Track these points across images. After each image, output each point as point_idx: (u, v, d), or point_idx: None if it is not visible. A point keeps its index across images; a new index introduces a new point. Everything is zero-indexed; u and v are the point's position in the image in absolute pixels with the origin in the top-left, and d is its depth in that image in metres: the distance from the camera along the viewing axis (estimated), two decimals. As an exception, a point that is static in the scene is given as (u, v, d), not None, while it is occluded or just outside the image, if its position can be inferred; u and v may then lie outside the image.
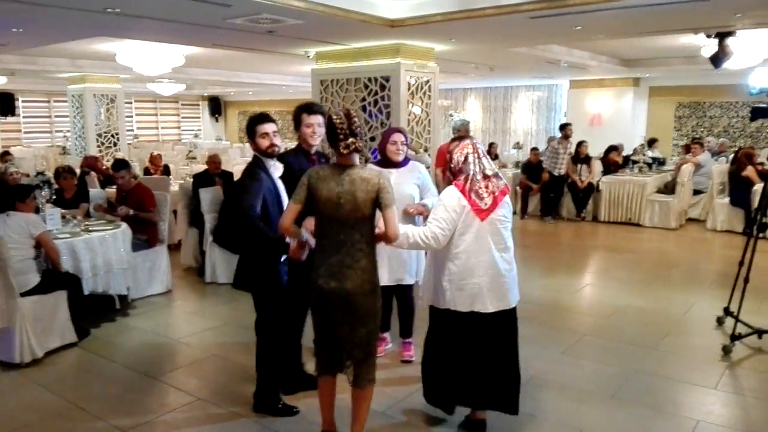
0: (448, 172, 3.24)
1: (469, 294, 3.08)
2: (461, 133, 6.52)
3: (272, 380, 3.56)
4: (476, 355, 3.18)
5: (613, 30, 7.14)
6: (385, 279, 4.14)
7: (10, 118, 16.98)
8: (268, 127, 3.40)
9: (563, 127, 10.37)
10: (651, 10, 5.57)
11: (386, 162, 4.16)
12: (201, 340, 4.83)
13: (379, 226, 2.93)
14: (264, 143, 3.38)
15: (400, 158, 4.14)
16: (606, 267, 7.48)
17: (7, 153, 10.50)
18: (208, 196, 6.43)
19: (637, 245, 8.48)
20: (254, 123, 3.43)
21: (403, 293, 4.32)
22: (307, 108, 3.67)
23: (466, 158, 3.12)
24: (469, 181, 3.07)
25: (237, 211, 3.23)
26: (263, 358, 3.54)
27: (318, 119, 3.64)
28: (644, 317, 5.34)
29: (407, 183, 4.13)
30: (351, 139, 2.83)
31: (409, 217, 4.02)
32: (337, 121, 2.84)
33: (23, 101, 17.49)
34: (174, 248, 7.34)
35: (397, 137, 4.13)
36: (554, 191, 10.30)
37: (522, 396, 3.73)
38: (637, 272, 6.91)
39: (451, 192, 3.08)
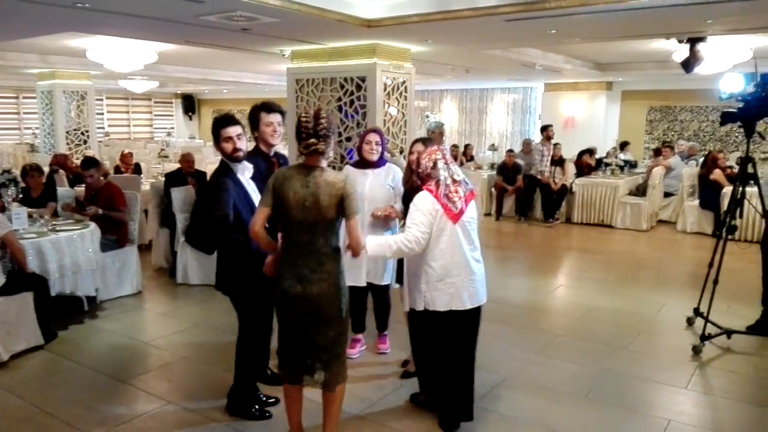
0: (414, 176, 3.32)
1: (446, 293, 3.18)
2: (435, 135, 6.55)
3: (250, 382, 3.52)
4: (457, 352, 3.30)
5: (587, 34, 7.22)
6: (361, 280, 4.15)
7: (-24, 115, 16.56)
8: (232, 131, 3.28)
9: (545, 129, 10.43)
10: (624, 15, 5.64)
11: (363, 162, 4.15)
12: (172, 343, 4.74)
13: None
14: (228, 147, 3.28)
15: (375, 158, 4.13)
16: (579, 268, 7.56)
17: (-28, 150, 10.25)
18: (180, 196, 6.33)
19: (609, 246, 8.59)
20: (217, 126, 3.31)
21: (380, 293, 4.34)
22: (265, 107, 3.59)
23: (435, 164, 3.20)
24: (440, 186, 3.16)
25: (210, 223, 3.17)
26: (242, 359, 3.46)
27: (277, 118, 3.57)
28: (616, 318, 5.40)
29: (382, 184, 4.12)
30: (312, 140, 2.79)
31: (378, 220, 3.99)
32: (304, 120, 2.82)
33: (-10, 97, 17.07)
34: (145, 248, 7.22)
35: (372, 137, 4.13)
36: (537, 192, 10.39)
37: (496, 397, 3.77)
38: (610, 273, 6.99)
39: (426, 197, 3.16)
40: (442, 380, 3.37)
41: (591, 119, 14.39)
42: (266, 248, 2.99)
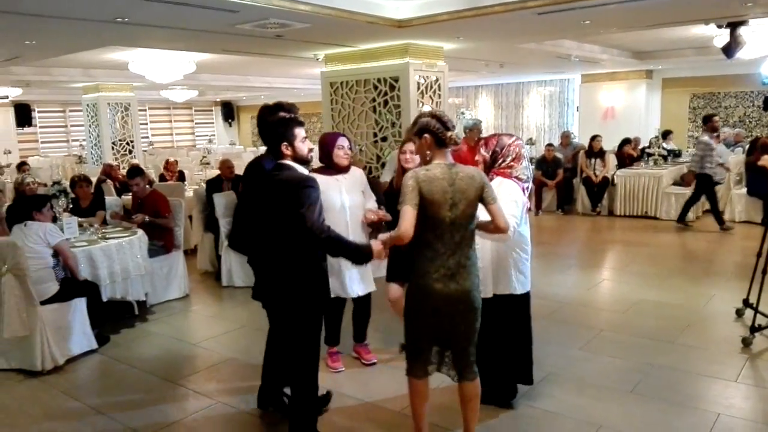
0: (483, 165, 3.41)
1: (528, 276, 3.49)
2: (472, 133, 6.54)
3: (313, 410, 3.23)
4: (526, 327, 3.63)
5: (623, 23, 7.09)
6: (372, 285, 4.15)
7: (27, 129, 17.23)
8: (304, 131, 3.12)
9: (708, 119, 8.75)
10: (660, 2, 5.53)
11: (332, 168, 3.92)
12: (219, 344, 4.87)
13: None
14: (304, 148, 3.06)
15: (347, 163, 3.96)
16: (623, 261, 7.42)
17: (24, 163, 10.66)
18: (222, 201, 6.47)
19: (653, 239, 8.40)
20: (292, 126, 3.05)
21: (365, 301, 4.25)
22: (285, 109, 3.34)
23: (519, 157, 3.35)
24: (522, 181, 3.35)
25: (313, 231, 2.87)
26: (304, 382, 3.13)
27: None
28: (662, 311, 5.29)
29: (356, 189, 3.99)
30: (451, 133, 2.86)
31: (373, 224, 3.96)
32: (433, 119, 2.87)
33: (39, 112, 17.73)
34: (190, 253, 7.41)
35: (344, 141, 3.94)
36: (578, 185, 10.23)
37: (540, 393, 3.75)
38: (654, 266, 6.85)
39: (516, 188, 3.29)
40: (502, 357, 3.52)
41: (631, 109, 14.09)
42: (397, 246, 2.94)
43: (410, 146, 3.93)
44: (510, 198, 3.20)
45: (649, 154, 10.51)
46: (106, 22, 5.39)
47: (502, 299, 3.43)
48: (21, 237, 4.43)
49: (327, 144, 3.90)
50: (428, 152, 2.88)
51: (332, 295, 3.39)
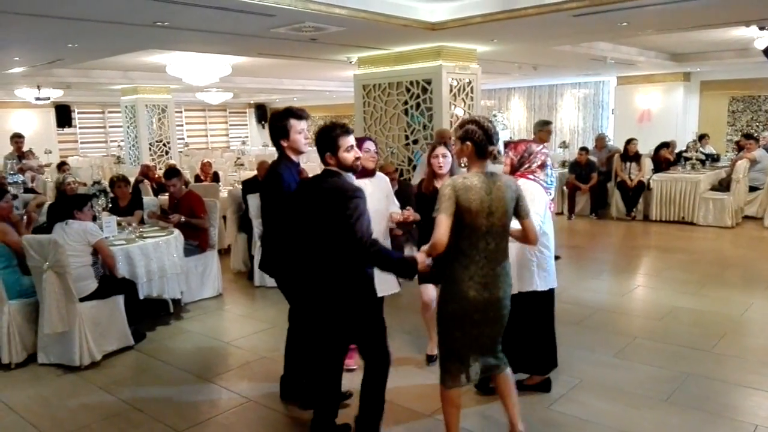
0: (510, 167, 3.59)
1: (552, 273, 3.61)
2: (542, 134, 6.64)
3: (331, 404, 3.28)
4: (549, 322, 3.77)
5: (660, 25, 6.97)
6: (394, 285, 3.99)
7: (67, 129, 17.71)
8: (351, 140, 3.07)
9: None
10: (699, 4, 5.42)
11: (361, 172, 3.72)
12: (251, 343, 4.94)
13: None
14: (349, 158, 3.04)
15: (373, 166, 3.89)
16: (658, 267, 7.28)
17: (64, 163, 10.95)
18: (256, 202, 6.54)
19: (690, 244, 8.23)
20: (337, 135, 3.02)
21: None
22: (295, 113, 3.35)
23: (543, 165, 3.55)
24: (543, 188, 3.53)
25: (362, 244, 2.86)
26: (326, 380, 3.23)
27: (306, 124, 3.41)
28: (699, 319, 5.18)
29: (380, 195, 3.91)
30: (492, 147, 2.88)
31: (387, 232, 3.93)
32: (476, 129, 2.86)
33: (79, 113, 18.21)
34: (224, 253, 7.52)
35: (370, 145, 3.86)
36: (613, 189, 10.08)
37: (572, 400, 3.72)
38: (691, 272, 6.70)
39: (538, 187, 3.46)
40: (524, 352, 3.65)
41: (668, 112, 13.82)
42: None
43: (441, 150, 3.97)
44: (533, 197, 3.30)
45: (687, 158, 10.30)
46: (146, 26, 5.53)
47: (526, 296, 3.53)
48: (62, 235, 4.55)
49: (350, 147, 3.82)
50: (466, 159, 2.92)
51: None
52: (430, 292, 4.11)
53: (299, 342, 3.59)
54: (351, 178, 3.08)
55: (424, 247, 2.92)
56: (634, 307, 5.78)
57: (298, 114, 3.34)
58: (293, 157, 3.38)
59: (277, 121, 3.34)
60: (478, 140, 2.84)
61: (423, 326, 4.48)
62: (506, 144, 3.92)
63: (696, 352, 4.45)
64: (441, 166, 3.96)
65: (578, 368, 4.15)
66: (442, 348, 2.97)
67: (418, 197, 4.13)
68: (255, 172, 7.58)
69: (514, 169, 3.57)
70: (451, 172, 4.00)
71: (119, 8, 4.81)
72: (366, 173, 3.84)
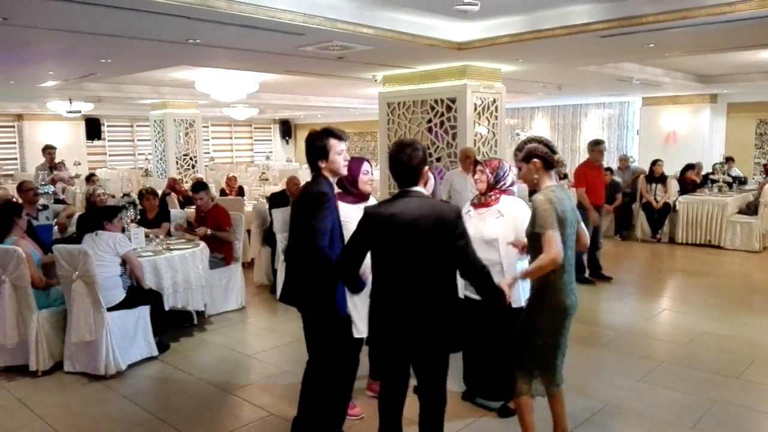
0: (486, 184, 3.72)
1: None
2: (595, 153, 6.95)
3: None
4: None
5: (688, 47, 6.94)
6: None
7: (96, 142, 18.07)
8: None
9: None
10: (727, 26, 5.39)
11: (355, 195, 3.60)
12: (273, 356, 4.97)
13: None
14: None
15: (371, 190, 3.69)
16: (684, 291, 7.17)
17: (92, 175, 11.17)
18: (280, 217, 6.61)
19: (717, 268, 8.09)
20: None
21: None
22: (334, 134, 3.21)
23: (513, 182, 3.74)
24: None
25: (476, 264, 2.79)
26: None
27: (345, 146, 3.26)
28: (726, 344, 5.09)
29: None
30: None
31: None
32: (544, 146, 3.01)
33: (108, 126, 18.58)
34: (247, 266, 7.59)
35: (368, 167, 3.66)
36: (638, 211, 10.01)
37: (595, 424, 3.67)
38: (718, 297, 6.59)
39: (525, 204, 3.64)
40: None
41: (694, 134, 13.67)
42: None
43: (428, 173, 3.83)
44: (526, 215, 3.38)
45: (714, 181, 10.16)
46: (178, 43, 5.66)
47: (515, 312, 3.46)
48: (92, 245, 4.64)
49: (352, 169, 3.55)
50: (536, 176, 3.01)
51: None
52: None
53: (319, 383, 3.32)
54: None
55: (507, 281, 2.92)
56: (659, 330, 5.69)
57: (338, 134, 3.21)
58: (330, 179, 3.23)
59: (315, 141, 3.18)
60: (542, 154, 2.99)
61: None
62: (478, 162, 3.90)
63: (723, 378, 4.37)
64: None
65: (602, 392, 4.09)
66: (522, 360, 3.07)
67: None
68: (280, 187, 7.65)
69: (490, 187, 3.70)
70: (433, 195, 3.94)
71: (153, 26, 4.94)
72: (361, 197, 3.60)
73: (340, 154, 3.19)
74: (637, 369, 4.55)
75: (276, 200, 7.13)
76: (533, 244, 2.98)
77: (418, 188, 2.82)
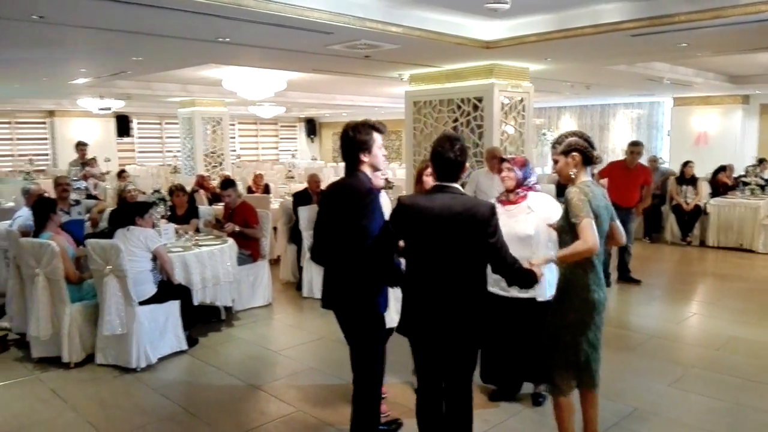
0: (515, 181, 3.75)
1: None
2: (634, 156, 6.88)
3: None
4: None
5: (721, 46, 6.80)
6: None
7: (125, 139, 18.38)
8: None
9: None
10: (761, 26, 5.27)
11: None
12: (299, 353, 5.00)
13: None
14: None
15: (383, 185, 3.71)
16: (715, 295, 7.03)
17: (123, 171, 11.37)
18: (306, 214, 6.66)
19: (749, 272, 7.93)
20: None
21: None
22: (377, 128, 3.10)
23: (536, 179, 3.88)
24: None
25: (508, 261, 2.79)
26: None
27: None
28: (759, 350, 4.99)
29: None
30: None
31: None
32: (584, 141, 3.01)
33: (138, 123, 18.87)
34: (273, 263, 7.65)
35: None
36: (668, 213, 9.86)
37: (624, 429, 3.65)
38: (750, 301, 6.45)
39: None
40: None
41: (725, 135, 13.40)
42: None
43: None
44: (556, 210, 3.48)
45: (746, 183, 9.96)
46: (208, 41, 5.72)
47: (536, 304, 3.64)
48: (124, 240, 4.72)
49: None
50: (574, 171, 2.99)
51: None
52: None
53: (371, 385, 3.20)
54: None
55: (538, 261, 2.95)
56: (689, 335, 5.60)
57: (379, 128, 3.09)
58: (369, 174, 3.10)
59: (359, 134, 3.02)
60: (582, 148, 2.98)
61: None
62: (504, 159, 3.89)
63: (755, 384, 4.29)
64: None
65: (631, 396, 4.04)
66: (556, 359, 3.03)
67: None
68: (304, 185, 7.70)
69: (518, 184, 3.71)
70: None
71: (185, 24, 5.00)
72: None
73: (380, 148, 3.10)
74: (666, 373, 4.48)
75: (299, 199, 7.18)
76: (565, 237, 2.98)
77: (456, 185, 2.81)
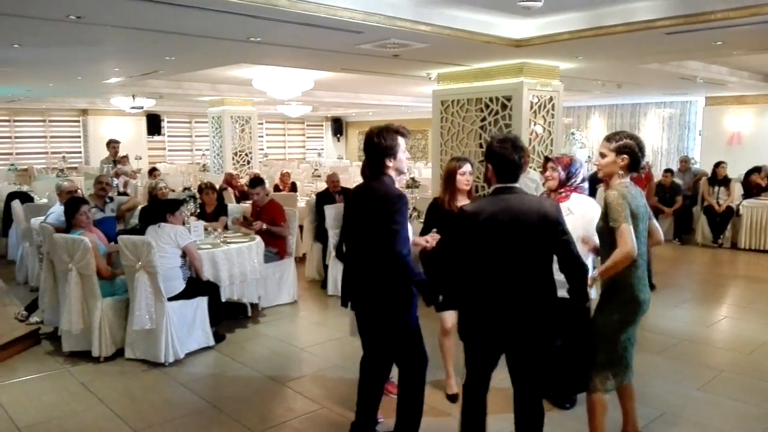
0: (557, 182, 3.75)
1: None
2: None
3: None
4: None
5: (757, 45, 6.63)
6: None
7: (156, 137, 18.68)
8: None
9: None
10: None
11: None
12: (324, 350, 5.03)
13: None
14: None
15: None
16: (747, 298, 6.88)
17: (154, 169, 11.56)
18: (332, 213, 6.68)
19: (783, 276, 7.75)
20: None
21: None
22: (401, 132, 3.13)
23: (584, 179, 3.85)
24: None
25: (579, 262, 2.82)
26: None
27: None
28: (793, 356, 4.87)
29: None
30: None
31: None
32: (639, 145, 3.02)
33: (168, 122, 19.16)
34: (299, 261, 7.70)
35: None
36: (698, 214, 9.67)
37: (654, 432, 3.56)
38: (785, 306, 6.31)
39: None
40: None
41: (760, 135, 13.06)
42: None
43: (468, 167, 3.88)
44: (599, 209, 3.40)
45: (781, 185, 9.72)
46: (239, 41, 5.78)
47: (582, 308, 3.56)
48: (155, 237, 4.81)
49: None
50: (620, 171, 2.99)
51: None
52: (452, 318, 3.86)
53: (413, 389, 3.23)
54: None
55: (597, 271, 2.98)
56: (720, 338, 5.49)
57: (403, 132, 3.12)
58: (395, 178, 3.14)
59: (385, 140, 3.06)
60: (634, 154, 2.97)
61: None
62: (548, 159, 3.86)
63: (790, 390, 4.19)
64: (468, 183, 3.90)
65: (660, 400, 3.98)
66: (598, 357, 3.05)
67: (439, 213, 3.90)
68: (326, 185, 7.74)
69: (561, 184, 3.68)
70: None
71: (217, 24, 5.06)
72: None
73: (404, 152, 3.13)
74: (696, 377, 4.41)
75: (322, 199, 7.23)
76: (605, 239, 2.99)
77: (517, 184, 2.83)
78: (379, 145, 3.06)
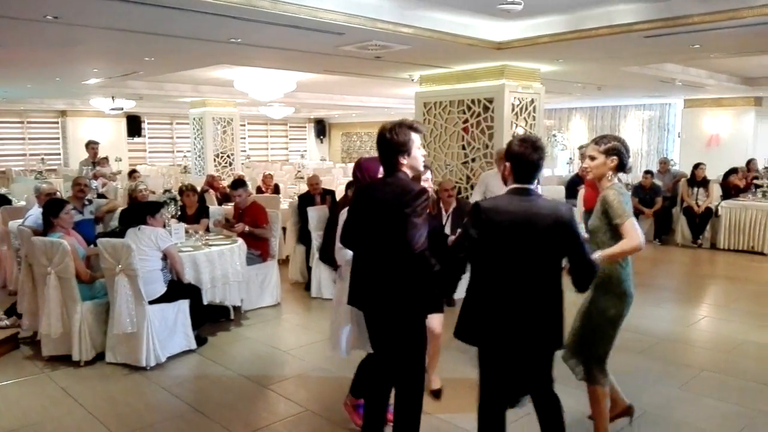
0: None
1: None
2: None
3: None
4: None
5: (734, 48, 6.76)
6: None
7: (136, 139, 18.49)
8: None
9: None
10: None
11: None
12: (308, 353, 5.01)
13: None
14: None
15: None
16: (726, 298, 6.98)
17: (134, 171, 11.43)
18: (315, 215, 6.66)
19: (760, 275, 7.86)
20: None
21: None
22: (415, 128, 2.96)
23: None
24: None
25: (593, 265, 2.80)
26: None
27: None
28: (771, 354, 4.95)
29: None
30: None
31: None
32: (625, 149, 3.11)
33: (148, 123, 19.00)
34: (282, 263, 7.66)
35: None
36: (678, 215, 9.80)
37: (635, 432, 3.60)
38: (762, 305, 6.40)
39: None
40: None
41: (737, 137, 13.30)
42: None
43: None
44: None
45: (758, 186, 9.88)
46: (221, 42, 5.76)
47: None
48: (135, 240, 4.74)
49: (370, 169, 3.32)
50: (610, 173, 3.08)
51: None
52: (439, 321, 3.82)
53: (413, 391, 3.07)
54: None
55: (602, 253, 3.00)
56: (700, 338, 5.56)
57: (417, 127, 2.94)
58: (410, 175, 2.97)
59: (397, 135, 2.88)
60: (622, 156, 3.08)
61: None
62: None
63: (766, 387, 4.24)
64: (430, 189, 3.75)
65: (641, 400, 4.00)
66: (598, 351, 3.19)
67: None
68: (308, 188, 7.71)
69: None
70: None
71: (198, 25, 5.03)
72: None
73: (419, 149, 2.96)
74: (677, 377, 4.45)
75: (304, 201, 7.21)
76: (600, 237, 3.08)
77: (533, 186, 2.81)
78: (391, 141, 2.88)
